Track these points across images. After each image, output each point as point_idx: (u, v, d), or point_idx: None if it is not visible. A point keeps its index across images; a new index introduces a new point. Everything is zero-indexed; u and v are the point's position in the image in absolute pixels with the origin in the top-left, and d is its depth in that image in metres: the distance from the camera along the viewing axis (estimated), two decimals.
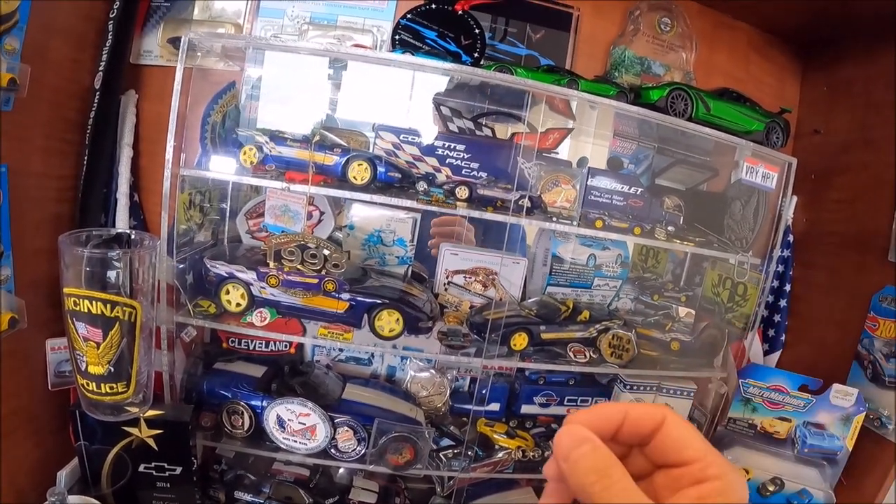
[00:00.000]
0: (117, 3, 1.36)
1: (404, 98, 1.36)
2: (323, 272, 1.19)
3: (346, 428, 1.30)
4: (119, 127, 1.42)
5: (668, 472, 0.38)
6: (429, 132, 1.38)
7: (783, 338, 1.60)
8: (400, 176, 1.18)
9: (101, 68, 1.35)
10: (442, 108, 1.35)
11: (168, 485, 1.31)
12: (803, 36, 1.61)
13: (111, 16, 1.36)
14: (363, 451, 1.30)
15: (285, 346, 1.45)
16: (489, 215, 1.18)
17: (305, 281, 1.20)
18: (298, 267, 1.19)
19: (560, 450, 0.36)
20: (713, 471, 0.35)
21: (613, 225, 1.25)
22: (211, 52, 1.31)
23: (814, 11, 1.46)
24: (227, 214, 1.40)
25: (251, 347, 1.44)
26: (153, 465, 1.30)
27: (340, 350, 1.46)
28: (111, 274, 1.11)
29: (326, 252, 1.18)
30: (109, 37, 1.37)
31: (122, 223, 1.42)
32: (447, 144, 1.31)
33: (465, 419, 1.39)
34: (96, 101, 1.34)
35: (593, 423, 0.38)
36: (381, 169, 1.16)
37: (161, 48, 1.45)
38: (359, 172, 1.17)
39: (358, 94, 1.39)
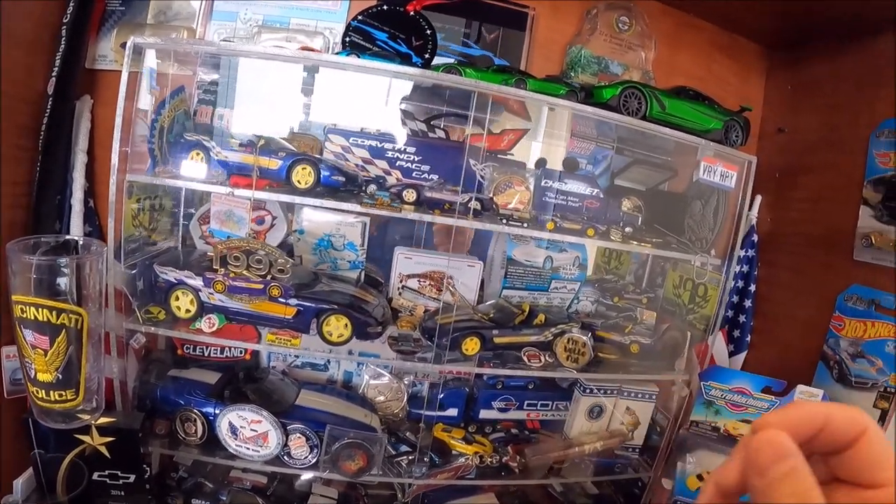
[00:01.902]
0: (71, 6, 1.35)
1: (358, 101, 1.34)
2: (269, 277, 1.18)
3: (298, 434, 1.28)
4: (74, 132, 1.41)
5: (852, 491, 0.33)
6: (386, 134, 1.37)
7: (748, 339, 1.58)
8: (344, 179, 1.17)
9: (54, 73, 1.34)
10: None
11: (122, 493, 1.30)
12: (768, 36, 1.59)
13: (64, 20, 1.35)
14: (315, 458, 1.29)
15: (241, 353, 1.43)
16: (438, 218, 1.17)
17: (251, 286, 1.19)
18: (244, 272, 1.18)
19: (758, 462, 0.30)
20: None
21: (565, 227, 1.23)
22: (162, 57, 1.30)
23: (778, 11, 1.44)
24: (181, 219, 1.39)
25: (206, 354, 1.43)
26: (107, 472, 1.29)
27: (296, 356, 1.44)
28: (61, 281, 1.11)
29: (272, 257, 1.17)
30: (63, 41, 1.36)
31: (76, 229, 1.41)
32: (397, 147, 1.29)
33: (423, 425, 1.37)
34: (49, 106, 1.33)
35: (792, 428, 0.31)
36: (324, 172, 1.15)
37: (115, 53, 1.44)
38: (302, 176, 1.15)
39: (313, 98, 1.37)
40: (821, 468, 0.34)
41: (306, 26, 1.39)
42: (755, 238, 1.56)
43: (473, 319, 1.28)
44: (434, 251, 1.33)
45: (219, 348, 1.42)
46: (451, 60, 1.34)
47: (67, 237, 1.29)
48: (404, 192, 1.19)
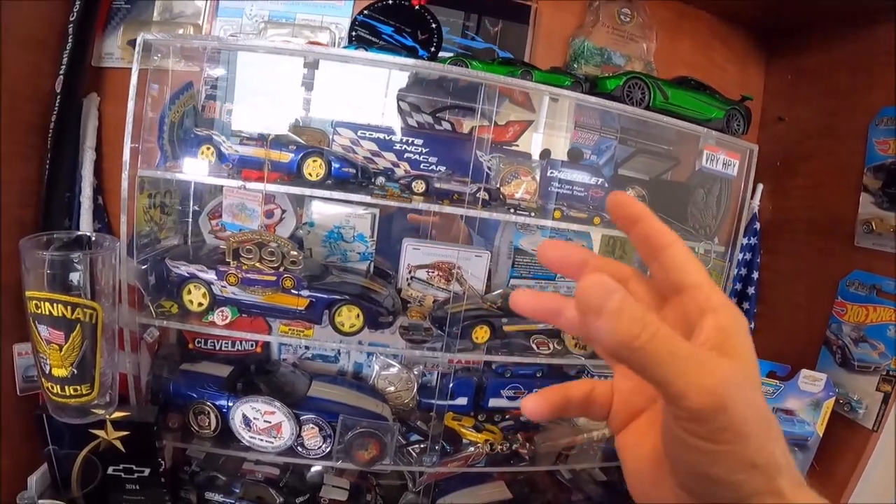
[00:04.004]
0: (77, 5, 1.36)
1: (365, 94, 1.36)
2: (281, 269, 1.19)
3: (311, 425, 1.30)
4: (82, 130, 1.42)
5: (674, 304, 0.37)
6: (392, 127, 1.38)
7: (752, 325, 1.60)
8: (354, 171, 1.18)
9: (61, 72, 1.35)
10: (401, 103, 1.35)
11: (137, 486, 1.31)
12: (766, 24, 1.60)
13: (71, 19, 1.36)
14: (329, 448, 1.30)
15: (251, 346, 1.44)
16: (447, 209, 1.18)
17: (264, 279, 1.20)
18: (257, 265, 1.19)
19: (591, 304, 0.30)
20: (717, 299, 0.34)
21: (572, 215, 1.25)
22: (168, 53, 1.31)
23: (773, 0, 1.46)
24: (191, 214, 1.40)
25: (217, 347, 1.44)
26: (121, 467, 1.30)
27: (306, 348, 1.46)
28: (73, 276, 1.12)
29: (284, 249, 1.18)
30: (69, 40, 1.36)
31: (86, 226, 1.41)
32: (405, 139, 1.31)
33: (433, 414, 1.39)
34: (57, 104, 1.34)
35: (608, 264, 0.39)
36: (335, 165, 1.16)
37: (122, 50, 1.45)
38: (314, 169, 1.17)
39: (320, 91, 1.38)
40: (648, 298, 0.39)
41: (312, 21, 1.40)
42: (757, 226, 1.58)
43: (482, 308, 1.30)
44: (442, 242, 1.35)
45: (230, 342, 1.43)
46: (453, 54, 1.36)
47: (79, 233, 1.30)
48: (414, 184, 1.20)
